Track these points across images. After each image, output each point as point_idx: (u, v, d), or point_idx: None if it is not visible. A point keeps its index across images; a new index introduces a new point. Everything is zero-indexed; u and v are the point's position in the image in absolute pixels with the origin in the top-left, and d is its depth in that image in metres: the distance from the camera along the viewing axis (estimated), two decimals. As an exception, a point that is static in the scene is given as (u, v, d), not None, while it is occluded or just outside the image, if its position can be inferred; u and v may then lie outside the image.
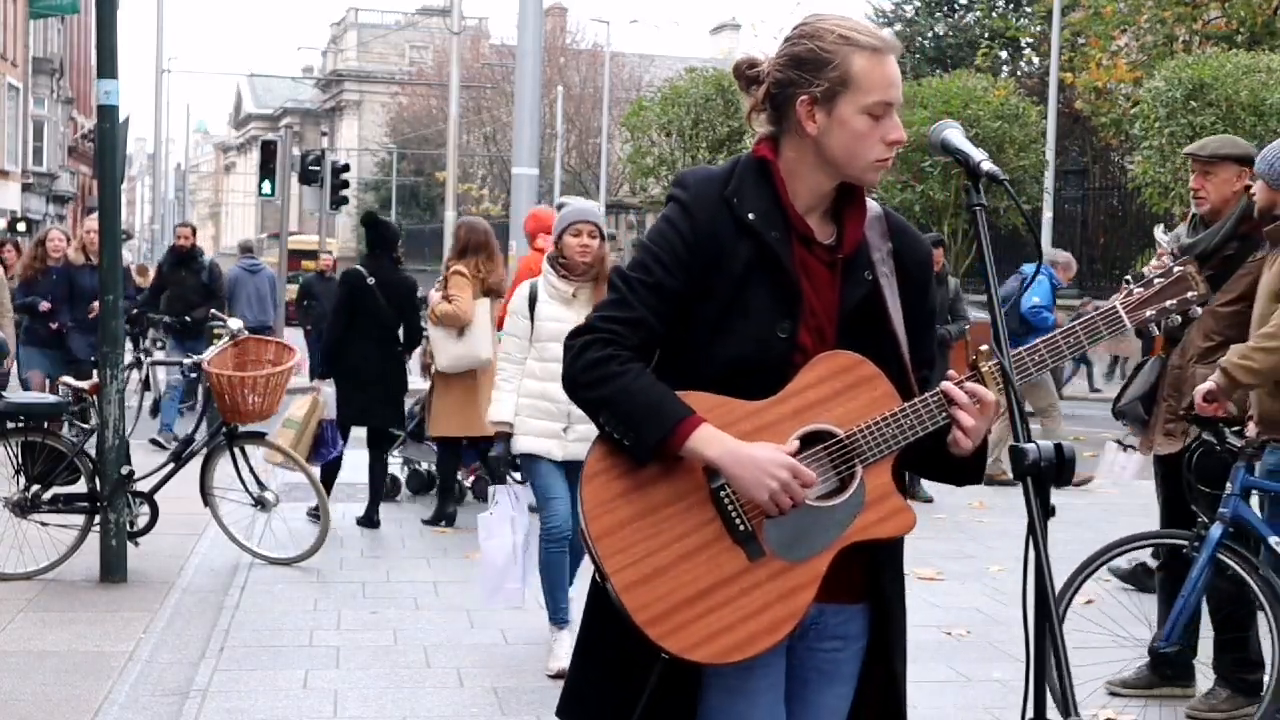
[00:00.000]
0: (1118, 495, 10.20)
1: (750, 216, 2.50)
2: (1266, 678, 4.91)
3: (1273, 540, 4.87)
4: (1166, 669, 5.43)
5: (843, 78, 2.45)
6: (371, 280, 8.78)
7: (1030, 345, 2.52)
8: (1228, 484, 4.93)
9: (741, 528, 2.43)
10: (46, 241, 12.09)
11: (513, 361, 5.89)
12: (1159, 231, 5.62)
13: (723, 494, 2.43)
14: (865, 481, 2.44)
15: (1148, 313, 2.53)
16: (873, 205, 2.60)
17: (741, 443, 2.40)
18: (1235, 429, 4.99)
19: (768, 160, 2.55)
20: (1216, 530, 4.88)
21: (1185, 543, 4.99)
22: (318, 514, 7.94)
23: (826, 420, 2.45)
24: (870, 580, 2.57)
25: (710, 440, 2.41)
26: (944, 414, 2.43)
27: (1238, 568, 4.90)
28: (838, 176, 2.52)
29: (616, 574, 2.44)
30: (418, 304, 8.97)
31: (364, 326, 8.72)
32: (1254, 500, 5.07)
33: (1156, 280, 2.54)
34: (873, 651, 2.62)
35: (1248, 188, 5.26)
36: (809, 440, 2.45)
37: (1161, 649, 4.97)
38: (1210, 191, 5.33)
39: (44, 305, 11.60)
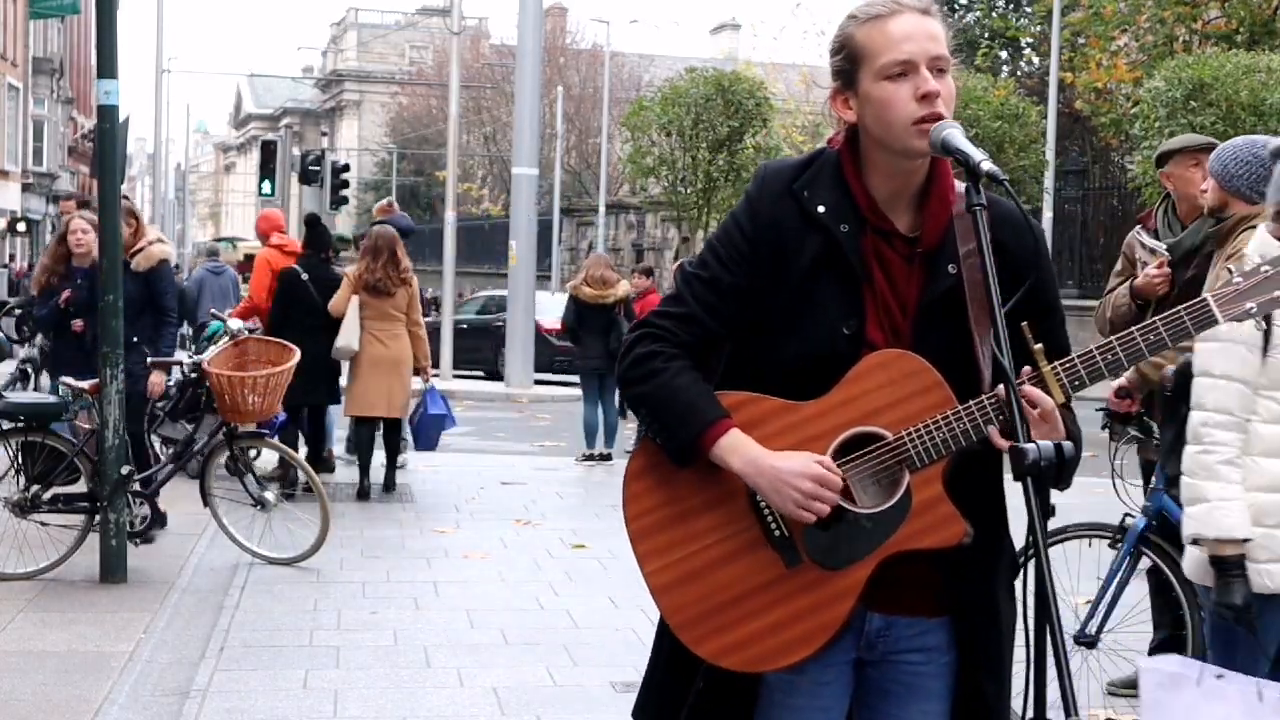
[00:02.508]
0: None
1: (820, 209, 2.41)
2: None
3: None
4: None
5: (851, 54, 2.39)
6: (305, 276, 10.03)
7: (1103, 343, 2.31)
8: (1151, 478, 5.02)
9: (778, 534, 2.37)
10: (69, 234, 8.49)
11: (1232, 427, 3.55)
12: (1145, 238, 5.56)
13: (759, 499, 2.38)
14: (913, 489, 2.32)
15: (1249, 304, 2.26)
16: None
17: (766, 452, 2.34)
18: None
19: (840, 151, 2.47)
20: (1139, 523, 4.97)
21: (1110, 535, 5.07)
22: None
23: (876, 423, 2.34)
24: (952, 593, 2.44)
25: (735, 448, 2.35)
26: (1001, 419, 2.28)
27: (1158, 561, 4.98)
28: (895, 156, 2.39)
29: (653, 575, 2.44)
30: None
31: (298, 316, 9.82)
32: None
33: (1264, 268, 2.27)
34: (960, 668, 2.48)
35: None
36: (856, 443, 2.36)
37: (1083, 638, 5.01)
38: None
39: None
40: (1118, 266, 5.78)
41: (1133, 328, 2.32)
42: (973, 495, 2.37)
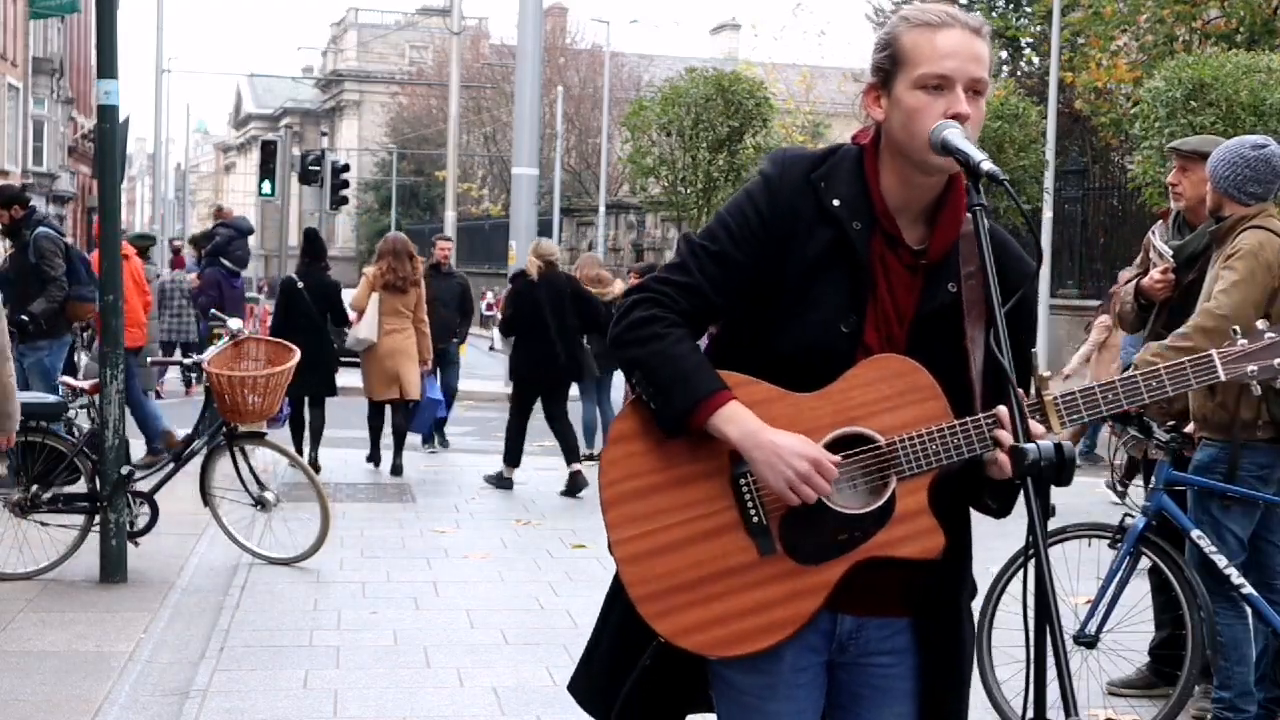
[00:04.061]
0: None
1: (835, 203, 2.39)
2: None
3: (1195, 534, 4.94)
4: (1166, 668, 5.44)
5: (894, 55, 2.37)
6: (301, 284, 11.22)
7: (1106, 383, 2.35)
8: (1152, 478, 5.03)
9: (756, 519, 2.35)
10: None
11: None
12: (1157, 239, 5.58)
13: (742, 482, 2.35)
14: (898, 495, 2.31)
15: (1250, 367, 2.36)
16: None
17: (766, 426, 2.31)
18: (1170, 424, 5.05)
19: (864, 148, 2.45)
20: (1139, 523, 4.98)
21: (1110, 535, 5.07)
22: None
23: (870, 425, 2.33)
24: (918, 594, 2.43)
25: (734, 419, 2.32)
26: (995, 438, 2.28)
27: (1158, 561, 4.99)
28: (913, 166, 2.38)
29: (621, 544, 2.41)
30: (340, 299, 11.41)
31: (295, 318, 10.98)
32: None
33: (1269, 335, 2.37)
34: (922, 675, 2.47)
35: None
36: (847, 442, 2.34)
37: (1083, 638, 5.02)
38: (1186, 188, 5.40)
39: None
40: (1139, 259, 5.80)
41: (1136, 371, 2.37)
42: (943, 511, 2.36)
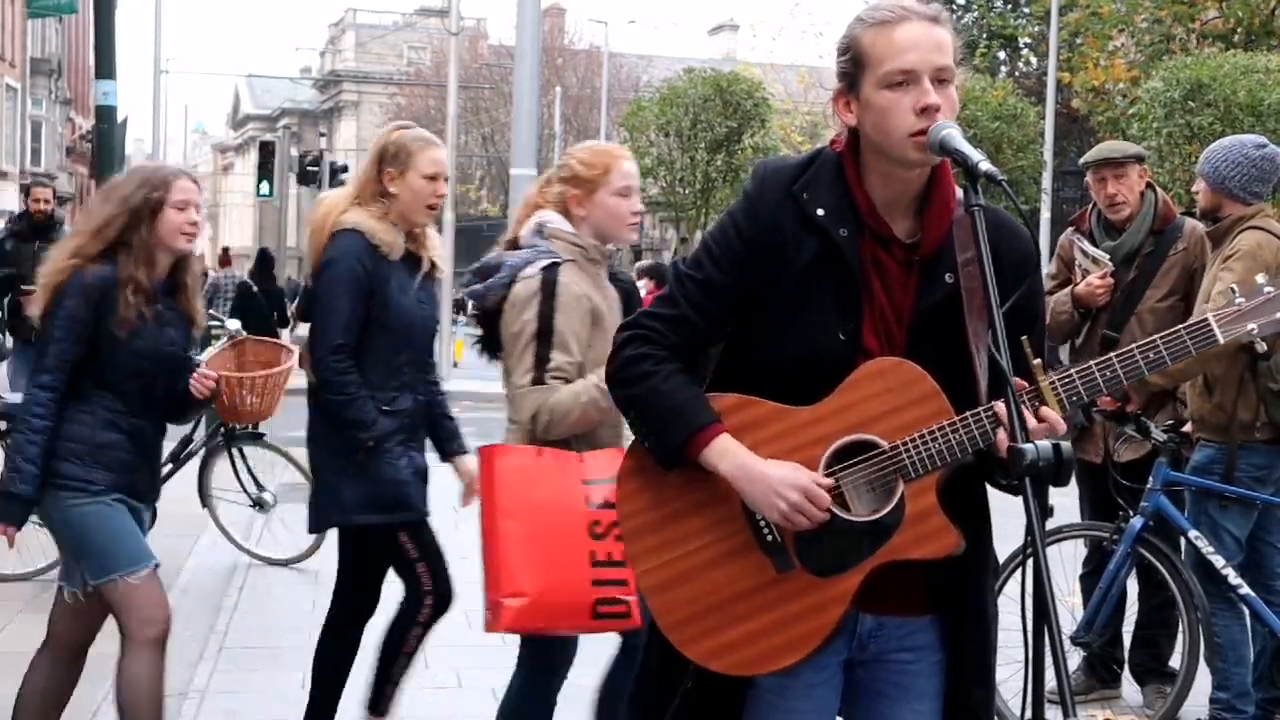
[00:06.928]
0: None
1: (819, 212, 2.39)
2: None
3: (1193, 534, 4.95)
4: (1104, 671, 5.44)
5: (855, 58, 2.36)
6: (256, 289, 14.42)
7: (1102, 359, 2.32)
8: (1150, 478, 5.03)
9: (770, 539, 2.37)
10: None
11: None
12: (1086, 244, 5.52)
13: None
14: (907, 498, 2.32)
15: (1250, 326, 2.28)
16: None
17: (756, 458, 2.34)
18: (1168, 425, 5.06)
19: (841, 154, 2.45)
20: (1137, 523, 4.98)
21: (1106, 535, 5.08)
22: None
23: (873, 431, 2.34)
24: (938, 592, 2.45)
25: (725, 452, 2.35)
26: (996, 432, 2.28)
27: (1155, 561, 4.99)
28: (892, 163, 2.37)
29: (644, 576, 2.44)
30: (284, 304, 14.70)
31: (251, 315, 13.00)
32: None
33: (1267, 289, 2.29)
34: (948, 670, 2.49)
35: (1149, 185, 5.45)
36: (852, 450, 2.35)
37: (1079, 640, 5.03)
38: (1127, 194, 5.40)
39: None
40: (1052, 269, 5.74)
41: (1133, 345, 2.32)
42: (958, 499, 2.37)
